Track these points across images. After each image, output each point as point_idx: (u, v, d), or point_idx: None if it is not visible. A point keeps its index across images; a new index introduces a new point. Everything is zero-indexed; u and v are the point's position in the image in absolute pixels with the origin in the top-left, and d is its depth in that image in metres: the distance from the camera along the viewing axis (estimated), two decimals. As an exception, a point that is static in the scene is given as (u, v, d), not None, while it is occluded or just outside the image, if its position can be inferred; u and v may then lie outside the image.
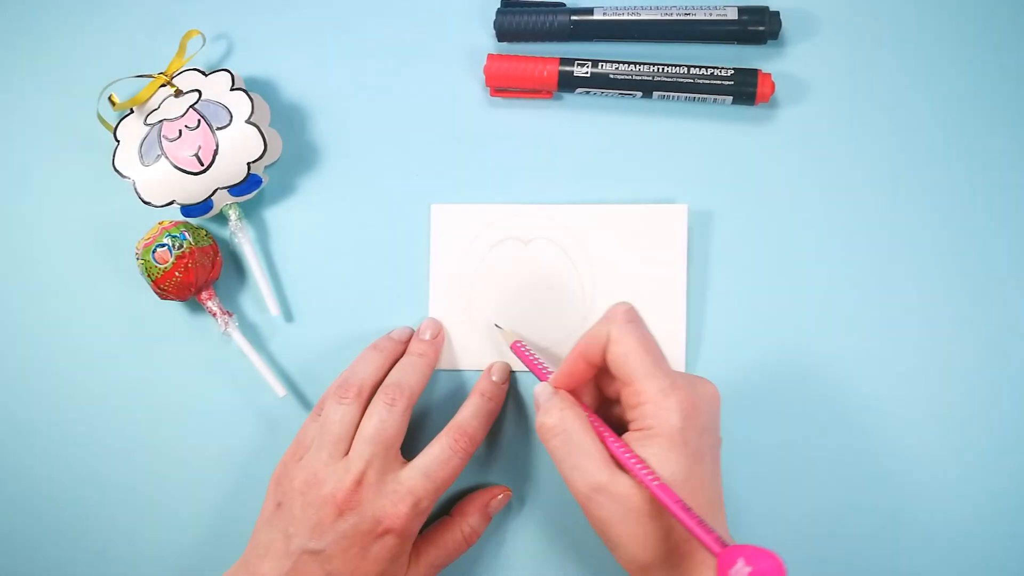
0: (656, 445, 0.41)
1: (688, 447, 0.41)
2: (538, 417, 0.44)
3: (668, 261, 0.52)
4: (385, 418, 0.47)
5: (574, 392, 0.46)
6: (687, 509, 0.39)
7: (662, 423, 0.41)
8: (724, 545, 0.37)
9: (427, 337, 0.51)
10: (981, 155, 0.52)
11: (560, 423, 0.43)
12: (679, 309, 0.52)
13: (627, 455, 0.41)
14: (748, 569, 0.35)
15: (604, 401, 0.47)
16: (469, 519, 0.50)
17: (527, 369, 0.49)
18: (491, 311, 0.52)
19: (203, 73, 0.52)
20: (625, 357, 0.42)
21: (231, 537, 0.51)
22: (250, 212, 0.54)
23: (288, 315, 0.53)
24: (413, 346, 0.51)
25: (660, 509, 0.41)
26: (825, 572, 0.51)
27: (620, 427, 0.44)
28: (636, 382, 0.42)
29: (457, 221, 0.53)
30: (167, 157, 0.51)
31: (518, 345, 0.50)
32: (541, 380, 0.47)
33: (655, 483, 0.40)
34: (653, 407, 0.41)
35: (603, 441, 0.43)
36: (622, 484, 0.41)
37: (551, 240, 0.53)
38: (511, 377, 0.52)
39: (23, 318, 0.54)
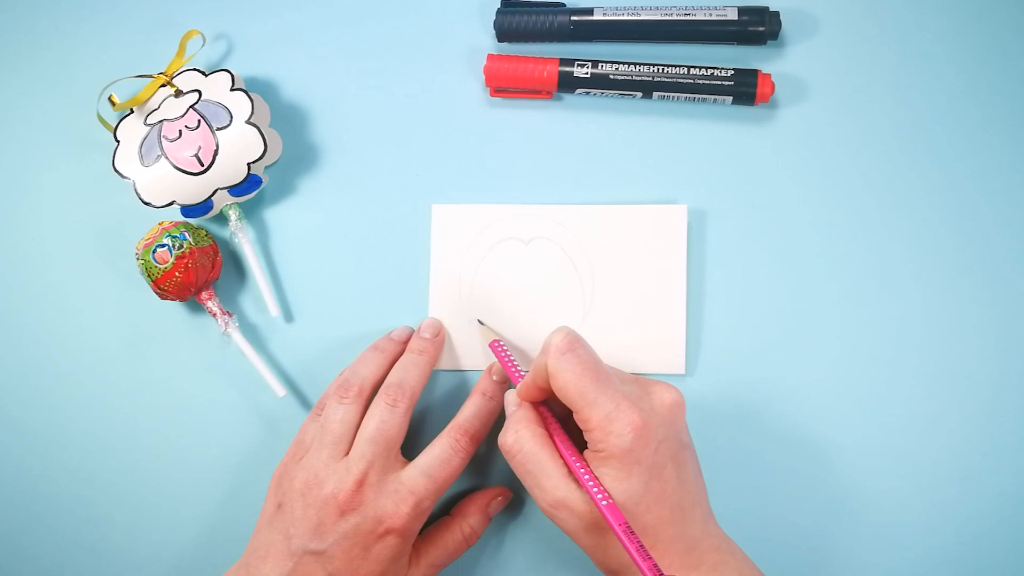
0: (610, 466, 0.42)
1: (641, 464, 0.42)
2: (499, 436, 0.46)
3: (668, 261, 0.52)
4: (387, 418, 0.47)
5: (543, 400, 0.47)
6: (631, 533, 0.40)
7: (611, 446, 0.42)
8: (660, 574, 0.38)
9: (428, 336, 0.51)
10: (981, 155, 0.52)
11: (516, 444, 0.45)
12: (679, 309, 0.52)
13: (583, 473, 0.43)
14: None
15: None
16: (469, 519, 0.50)
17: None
18: (491, 311, 0.52)
19: (203, 73, 0.52)
20: (565, 390, 0.43)
21: (231, 537, 0.51)
22: (250, 212, 0.54)
23: (288, 315, 0.53)
24: (413, 344, 0.51)
25: None
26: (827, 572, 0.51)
27: None
28: (580, 412, 0.43)
29: (457, 221, 0.53)
30: (167, 157, 0.51)
31: (496, 344, 0.50)
32: (514, 383, 0.48)
33: (604, 503, 0.41)
34: (600, 432, 0.42)
35: (563, 457, 0.44)
36: (580, 501, 0.43)
37: (551, 240, 0.53)
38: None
39: (23, 318, 0.54)
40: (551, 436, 0.45)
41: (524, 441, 0.44)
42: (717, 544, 0.43)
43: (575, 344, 0.44)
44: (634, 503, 0.42)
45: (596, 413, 0.42)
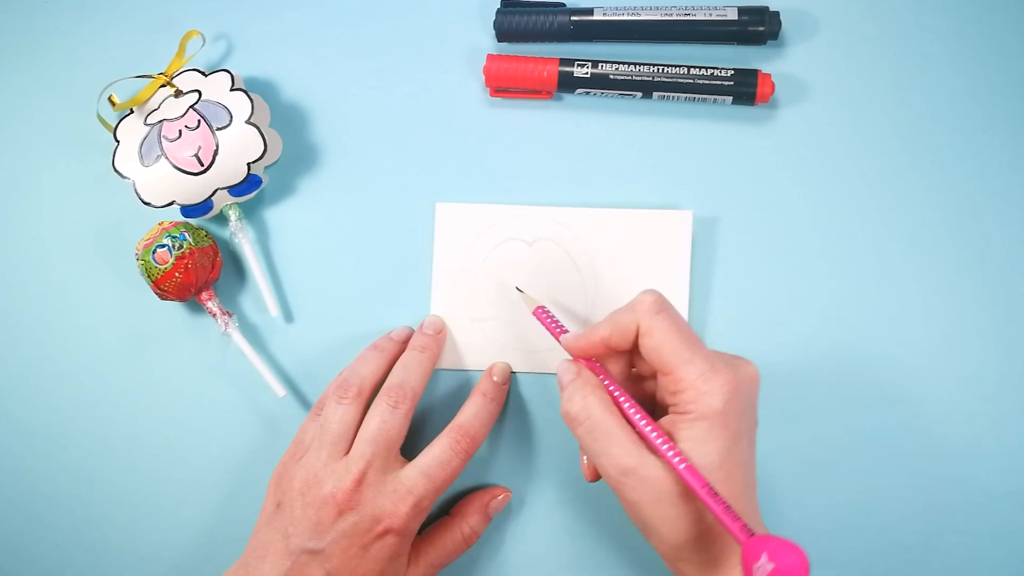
0: (697, 428, 0.41)
1: (728, 429, 0.40)
2: (562, 404, 0.44)
3: (671, 266, 0.52)
4: (387, 419, 0.47)
5: (599, 361, 0.45)
6: (715, 494, 0.38)
7: (704, 407, 0.40)
8: (751, 534, 0.37)
9: (430, 332, 0.51)
10: (981, 155, 0.52)
11: (583, 410, 0.43)
12: (681, 313, 0.52)
13: (655, 436, 0.41)
14: (771, 566, 0.34)
15: (634, 376, 0.46)
16: (469, 519, 0.50)
17: (550, 337, 0.47)
18: (493, 311, 0.52)
19: (203, 73, 0.52)
20: (659, 348, 0.42)
21: (231, 537, 0.51)
22: (250, 212, 0.54)
23: (288, 315, 0.53)
24: (415, 341, 0.51)
25: (691, 491, 0.40)
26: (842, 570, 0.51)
27: (649, 403, 0.44)
28: (674, 371, 0.41)
29: (461, 220, 0.53)
30: (167, 157, 0.51)
31: (540, 311, 0.48)
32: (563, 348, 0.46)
33: (683, 466, 0.40)
34: (694, 392, 0.41)
35: (631, 422, 0.42)
36: (652, 467, 0.41)
37: (555, 242, 0.53)
38: (512, 377, 0.52)
39: (23, 318, 0.54)
40: (616, 401, 0.43)
41: (592, 407, 0.43)
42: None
43: (667, 305, 0.43)
44: (714, 468, 0.40)
45: (691, 371, 0.41)
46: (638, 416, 0.42)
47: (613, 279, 0.52)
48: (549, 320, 0.48)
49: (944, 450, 0.51)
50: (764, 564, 0.35)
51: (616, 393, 0.43)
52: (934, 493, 0.51)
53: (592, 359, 0.45)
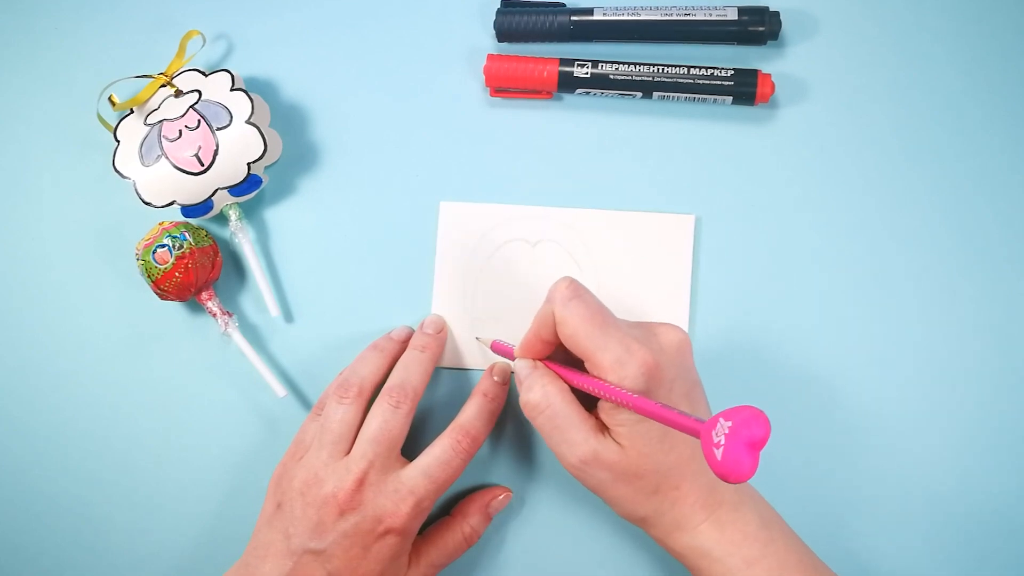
0: (626, 412, 0.42)
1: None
2: (522, 395, 0.45)
3: (673, 269, 0.52)
4: (389, 419, 0.47)
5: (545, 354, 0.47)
6: (667, 408, 0.38)
7: (626, 390, 0.41)
8: (703, 421, 0.36)
9: (430, 332, 0.51)
10: (981, 155, 0.52)
11: (544, 399, 0.44)
12: (682, 318, 0.52)
13: (606, 387, 0.41)
14: (728, 423, 0.34)
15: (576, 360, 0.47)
16: (470, 519, 0.50)
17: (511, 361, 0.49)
18: (495, 311, 0.52)
19: (203, 73, 0.52)
20: (574, 336, 0.43)
21: (231, 537, 0.51)
22: (250, 212, 0.54)
23: (288, 315, 0.53)
24: (416, 340, 0.51)
25: (645, 469, 0.42)
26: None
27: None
28: (591, 358, 0.42)
29: (465, 219, 0.53)
30: (167, 157, 0.51)
31: (498, 343, 0.50)
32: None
33: (635, 398, 0.40)
34: (614, 376, 0.42)
35: (582, 386, 0.43)
36: (610, 451, 0.43)
37: (558, 243, 0.53)
38: (512, 377, 0.52)
39: (23, 318, 0.54)
40: (571, 378, 0.44)
41: (552, 396, 0.44)
42: (735, 485, 0.44)
43: (580, 290, 0.44)
44: (658, 442, 0.42)
45: (607, 357, 0.42)
46: (581, 378, 0.43)
47: (615, 281, 0.52)
48: (505, 346, 0.49)
49: (944, 449, 0.51)
50: (722, 426, 0.34)
51: (570, 371, 0.44)
52: (935, 492, 0.51)
53: (543, 358, 0.46)
